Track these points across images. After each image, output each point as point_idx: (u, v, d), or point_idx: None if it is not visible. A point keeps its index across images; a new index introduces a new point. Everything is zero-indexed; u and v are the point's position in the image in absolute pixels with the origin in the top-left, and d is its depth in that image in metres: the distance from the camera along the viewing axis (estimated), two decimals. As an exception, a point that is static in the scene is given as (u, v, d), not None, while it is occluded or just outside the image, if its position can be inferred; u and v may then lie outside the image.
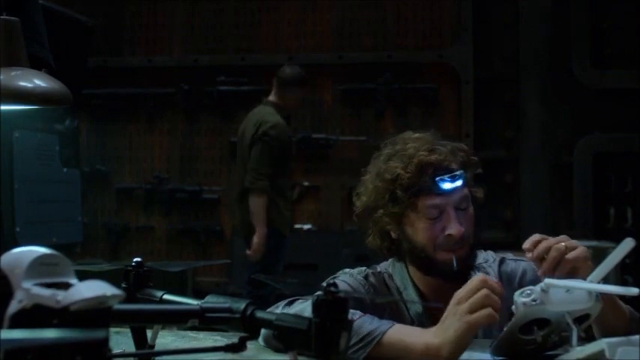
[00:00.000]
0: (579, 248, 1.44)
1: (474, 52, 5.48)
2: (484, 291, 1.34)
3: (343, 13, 5.67)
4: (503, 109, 5.51)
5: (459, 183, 1.60)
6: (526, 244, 1.45)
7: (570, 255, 1.42)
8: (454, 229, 1.59)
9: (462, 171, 1.62)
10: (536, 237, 1.46)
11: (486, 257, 1.75)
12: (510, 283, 1.67)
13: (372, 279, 1.69)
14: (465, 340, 1.36)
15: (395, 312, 1.63)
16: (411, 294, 1.66)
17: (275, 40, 5.73)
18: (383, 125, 5.60)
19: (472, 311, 1.34)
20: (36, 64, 1.49)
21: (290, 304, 1.52)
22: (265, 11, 5.74)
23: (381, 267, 1.74)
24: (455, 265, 1.60)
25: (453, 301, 1.38)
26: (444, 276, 1.63)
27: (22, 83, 1.35)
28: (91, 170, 5.66)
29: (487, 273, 1.70)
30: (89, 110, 5.58)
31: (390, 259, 1.75)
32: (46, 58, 1.73)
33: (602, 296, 1.38)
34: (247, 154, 4.30)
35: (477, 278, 1.39)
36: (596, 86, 5.30)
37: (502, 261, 1.75)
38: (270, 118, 4.32)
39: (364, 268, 1.72)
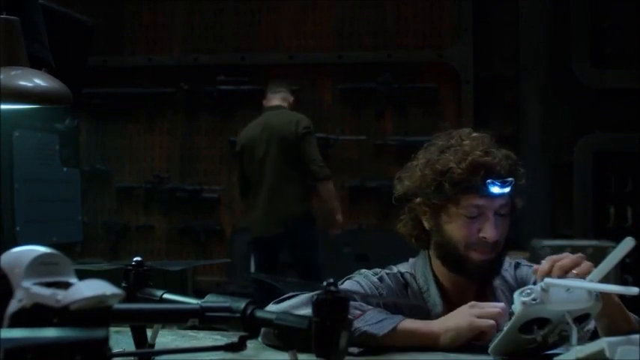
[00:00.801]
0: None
1: (473, 52, 5.48)
2: (499, 310, 1.48)
3: (343, 13, 5.67)
4: (503, 108, 5.51)
5: (506, 190, 1.62)
6: (538, 277, 1.44)
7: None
8: (490, 233, 1.61)
9: (512, 180, 1.63)
10: (547, 267, 1.43)
11: (506, 261, 1.76)
12: (525, 285, 1.68)
13: (387, 280, 1.69)
14: (462, 336, 1.48)
15: (415, 314, 1.63)
16: (433, 294, 1.67)
17: (275, 40, 5.73)
18: (383, 125, 5.60)
19: (479, 316, 1.47)
20: (36, 63, 1.49)
21: (279, 302, 1.54)
22: (265, 11, 5.74)
23: (400, 267, 1.74)
24: (481, 264, 1.63)
25: (468, 304, 1.51)
26: (469, 275, 1.65)
27: (22, 82, 1.35)
28: (91, 169, 5.66)
29: (503, 277, 1.72)
30: (89, 110, 5.58)
31: (410, 260, 1.75)
32: (46, 58, 1.73)
33: (610, 298, 1.38)
34: (289, 152, 4.42)
35: (499, 305, 1.51)
36: (596, 86, 5.30)
37: (517, 265, 1.77)
38: (301, 115, 4.55)
39: (379, 269, 1.72)
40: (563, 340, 1.36)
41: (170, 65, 5.78)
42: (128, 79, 5.79)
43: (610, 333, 1.44)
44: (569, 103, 5.36)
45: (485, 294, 1.68)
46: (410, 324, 1.52)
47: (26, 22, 1.49)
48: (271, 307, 1.50)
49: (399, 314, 1.55)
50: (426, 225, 1.68)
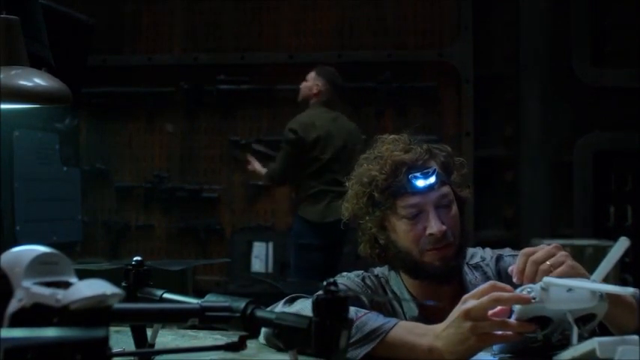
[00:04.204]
0: (564, 265, 1.40)
1: (474, 51, 5.48)
2: (493, 294, 1.31)
3: (343, 12, 5.67)
4: (503, 107, 5.52)
5: (432, 180, 1.58)
6: (514, 277, 1.42)
7: (555, 273, 1.39)
8: (435, 227, 1.57)
9: (435, 168, 1.60)
10: (520, 265, 1.42)
11: (484, 256, 1.73)
12: (509, 278, 1.66)
13: (368, 281, 1.68)
14: (473, 352, 1.34)
15: (392, 315, 1.62)
16: (407, 297, 1.65)
17: (275, 39, 5.73)
18: (383, 124, 5.60)
19: (478, 317, 1.31)
20: (36, 62, 1.49)
21: (291, 301, 1.51)
22: (265, 10, 5.74)
23: (379, 271, 1.73)
24: (439, 263, 1.59)
25: (460, 303, 1.35)
26: (433, 278, 1.62)
27: (22, 82, 1.35)
28: (91, 169, 5.65)
29: (485, 272, 1.69)
30: (89, 109, 5.57)
31: (386, 266, 1.75)
32: (46, 57, 1.73)
33: (619, 298, 1.37)
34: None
35: (487, 283, 1.36)
36: (597, 84, 5.30)
37: (499, 258, 1.72)
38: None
39: (361, 271, 1.71)
40: (568, 340, 1.36)
41: (170, 64, 5.78)
42: (128, 78, 5.79)
43: (615, 329, 1.43)
44: (570, 102, 5.36)
45: (459, 292, 1.62)
46: (403, 331, 1.40)
47: (26, 22, 1.49)
48: (283, 308, 1.49)
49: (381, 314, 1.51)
50: (381, 241, 1.66)
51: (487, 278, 1.66)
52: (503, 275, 1.67)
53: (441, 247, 1.59)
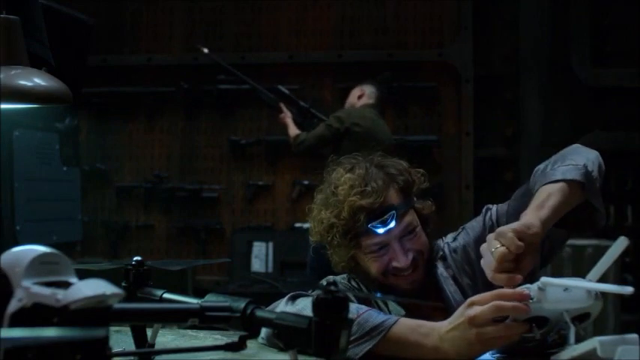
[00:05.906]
0: (508, 236, 1.36)
1: (474, 51, 5.48)
2: (495, 303, 1.31)
3: (343, 12, 5.67)
4: (503, 107, 5.52)
5: (392, 225, 1.61)
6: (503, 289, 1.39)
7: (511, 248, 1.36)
8: (401, 262, 1.62)
9: (393, 213, 1.61)
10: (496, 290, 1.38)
11: (441, 246, 1.76)
12: (466, 255, 1.71)
13: (354, 283, 1.73)
14: (478, 355, 1.36)
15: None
16: (392, 302, 1.68)
17: (275, 39, 5.73)
18: (383, 124, 5.60)
19: (483, 324, 1.32)
20: (36, 62, 1.49)
21: (293, 299, 1.52)
22: (265, 10, 5.74)
23: None
24: (410, 287, 1.63)
25: (465, 305, 1.36)
26: (404, 295, 1.65)
27: (22, 82, 1.35)
28: (90, 169, 5.65)
29: (449, 265, 1.72)
30: (89, 109, 5.58)
31: None
32: (46, 57, 1.74)
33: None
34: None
35: (494, 291, 1.34)
36: (597, 85, 5.30)
37: (448, 245, 1.77)
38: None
39: (346, 274, 1.75)
40: (563, 339, 1.36)
41: (170, 64, 5.78)
42: (128, 77, 5.79)
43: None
44: (570, 102, 5.36)
45: (434, 286, 1.69)
46: (405, 329, 1.41)
47: (26, 21, 1.49)
48: (286, 307, 1.49)
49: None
50: (351, 265, 1.71)
51: (449, 266, 1.72)
52: (459, 253, 1.72)
53: (408, 274, 1.64)
